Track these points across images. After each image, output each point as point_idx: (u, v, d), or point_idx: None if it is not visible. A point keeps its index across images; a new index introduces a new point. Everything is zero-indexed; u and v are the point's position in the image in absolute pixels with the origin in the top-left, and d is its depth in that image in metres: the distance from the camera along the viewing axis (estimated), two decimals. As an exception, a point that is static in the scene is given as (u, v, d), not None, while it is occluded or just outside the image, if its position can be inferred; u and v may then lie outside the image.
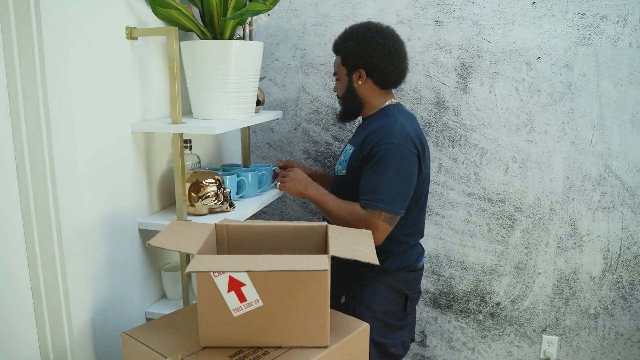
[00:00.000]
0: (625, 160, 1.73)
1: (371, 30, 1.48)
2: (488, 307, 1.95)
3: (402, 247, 1.51)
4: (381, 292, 1.49)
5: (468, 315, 1.97)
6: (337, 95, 1.61)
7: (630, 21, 1.64)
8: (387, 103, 1.52)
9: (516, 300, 1.91)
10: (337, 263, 1.38)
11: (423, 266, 1.61)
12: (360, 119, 1.62)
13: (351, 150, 1.50)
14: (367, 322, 1.08)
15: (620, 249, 1.79)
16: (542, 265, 1.87)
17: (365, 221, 1.37)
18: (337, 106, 1.82)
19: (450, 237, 1.93)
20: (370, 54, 1.46)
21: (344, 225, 1.38)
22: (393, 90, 1.59)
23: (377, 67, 1.47)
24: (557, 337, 1.90)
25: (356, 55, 1.47)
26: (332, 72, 1.60)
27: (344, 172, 1.51)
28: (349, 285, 1.51)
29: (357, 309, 1.46)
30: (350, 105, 1.56)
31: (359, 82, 1.50)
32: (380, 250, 1.35)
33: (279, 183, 1.57)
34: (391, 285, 1.49)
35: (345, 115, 1.61)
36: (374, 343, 1.44)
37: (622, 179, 1.75)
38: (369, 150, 1.41)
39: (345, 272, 1.49)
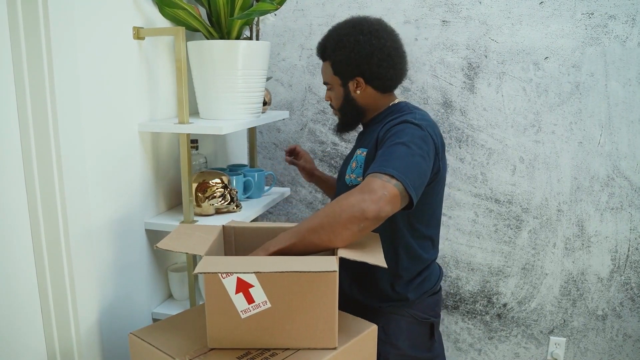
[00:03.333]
0: (633, 160, 1.72)
1: (363, 33, 1.27)
2: (495, 308, 1.94)
3: (420, 266, 1.32)
4: (404, 326, 1.32)
5: (475, 317, 1.96)
6: (330, 105, 1.41)
7: (639, 21, 1.63)
8: (392, 103, 1.36)
9: (523, 302, 1.90)
10: (351, 301, 1.31)
11: (441, 287, 1.43)
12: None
13: (364, 153, 1.29)
14: None
15: (629, 250, 1.78)
16: (550, 267, 1.86)
17: (366, 184, 1.03)
18: None
19: (457, 238, 1.92)
20: (368, 61, 1.27)
21: (337, 220, 1.00)
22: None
23: (377, 74, 1.29)
24: (565, 339, 1.89)
25: (351, 64, 1.28)
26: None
27: (360, 179, 1.28)
28: None
29: (382, 350, 1.27)
30: (350, 116, 1.37)
31: (358, 92, 1.32)
32: (397, 277, 1.29)
33: None
34: (414, 316, 1.32)
35: (345, 127, 1.42)
36: None
37: (631, 180, 1.73)
38: (384, 134, 1.20)
39: (360, 310, 1.26)
